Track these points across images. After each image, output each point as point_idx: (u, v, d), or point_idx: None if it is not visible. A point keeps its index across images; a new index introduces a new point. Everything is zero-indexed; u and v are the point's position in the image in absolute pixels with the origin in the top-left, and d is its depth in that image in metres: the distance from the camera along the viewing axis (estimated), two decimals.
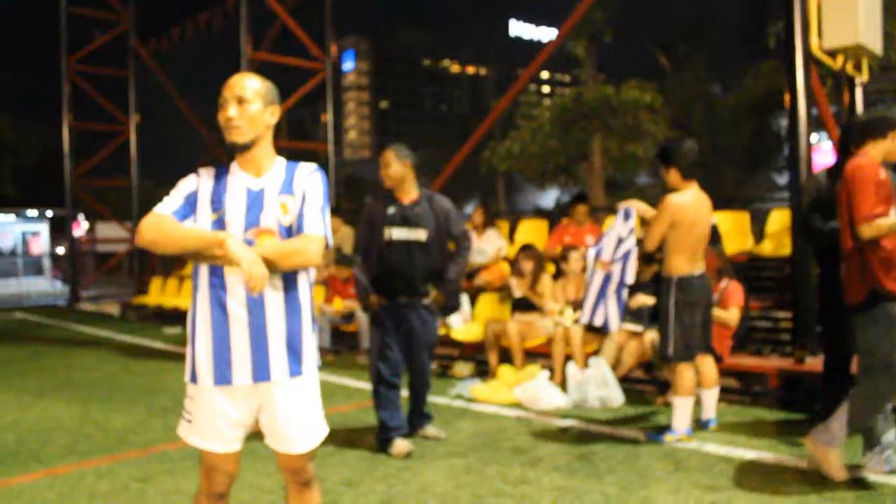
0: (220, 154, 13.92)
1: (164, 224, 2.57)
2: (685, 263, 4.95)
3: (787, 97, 6.13)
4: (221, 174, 2.72)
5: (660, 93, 14.44)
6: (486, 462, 4.73)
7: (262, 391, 2.65)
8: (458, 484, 4.33)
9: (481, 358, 7.57)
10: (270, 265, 2.54)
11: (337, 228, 9.44)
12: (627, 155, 14.13)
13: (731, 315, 5.85)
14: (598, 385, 6.03)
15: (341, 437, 5.38)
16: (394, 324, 5.11)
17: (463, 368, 7.60)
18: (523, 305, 7.36)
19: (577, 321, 6.74)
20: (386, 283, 5.11)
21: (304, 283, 2.71)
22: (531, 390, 6.11)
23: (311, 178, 2.70)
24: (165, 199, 2.69)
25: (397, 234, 5.07)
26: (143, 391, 7.26)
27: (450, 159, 9.87)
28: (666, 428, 5.13)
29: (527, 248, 7.58)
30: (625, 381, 6.43)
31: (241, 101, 2.62)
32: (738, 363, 6.04)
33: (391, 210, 5.10)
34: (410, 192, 5.15)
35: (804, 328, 6.00)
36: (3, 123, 24.94)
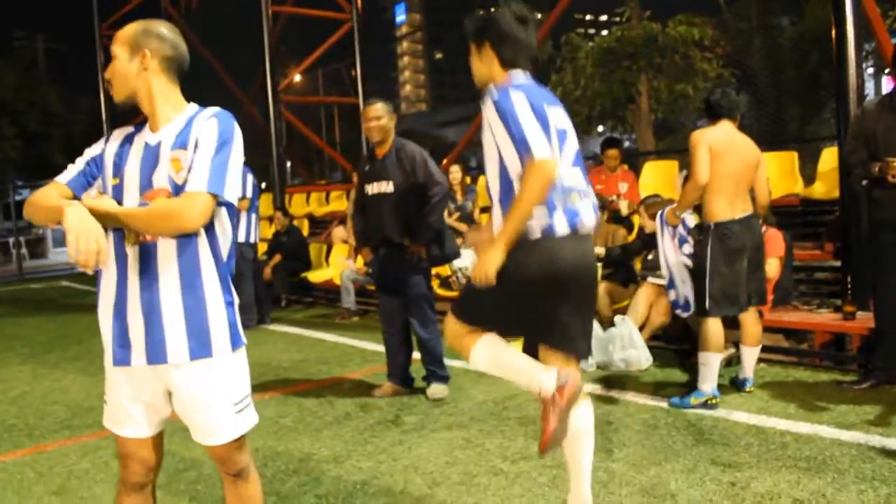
0: (254, 113, 13.64)
1: (37, 196, 2.29)
2: (723, 207, 4.43)
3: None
4: (132, 133, 2.39)
5: (712, 27, 13.52)
6: (487, 434, 4.33)
7: (163, 374, 2.32)
8: (451, 460, 3.95)
9: None
10: (138, 231, 2.22)
11: None
12: (678, 95, 13.29)
13: (769, 266, 5.24)
14: (622, 345, 5.52)
15: (345, 408, 5.05)
16: (381, 275, 5.31)
17: None
18: None
19: (604, 276, 6.23)
20: (368, 236, 5.36)
21: (206, 250, 2.31)
22: None
23: (204, 125, 2.28)
24: (70, 165, 2.42)
25: (370, 188, 5.21)
26: None
27: None
28: (692, 389, 4.63)
29: None
30: (656, 339, 5.92)
31: (112, 57, 2.32)
32: (779, 319, 5.44)
33: (367, 166, 5.26)
34: (385, 146, 5.16)
35: (854, 279, 5.37)
36: (53, 96, 25.35)
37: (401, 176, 5.08)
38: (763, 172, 4.65)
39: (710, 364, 4.51)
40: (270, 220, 10.58)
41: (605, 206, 6.47)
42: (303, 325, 8.43)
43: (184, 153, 2.25)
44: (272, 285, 9.60)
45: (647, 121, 14.11)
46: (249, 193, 8.01)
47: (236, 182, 2.31)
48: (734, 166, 4.42)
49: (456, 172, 8.68)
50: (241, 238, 8.02)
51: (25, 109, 23.83)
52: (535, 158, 2.61)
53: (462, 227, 8.48)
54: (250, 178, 8.08)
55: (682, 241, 4.95)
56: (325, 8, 12.66)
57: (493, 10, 2.91)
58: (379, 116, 5.06)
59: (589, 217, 2.81)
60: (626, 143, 23.08)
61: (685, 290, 4.92)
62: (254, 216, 8.12)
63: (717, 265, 4.40)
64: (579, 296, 2.82)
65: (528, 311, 2.81)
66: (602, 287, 6.12)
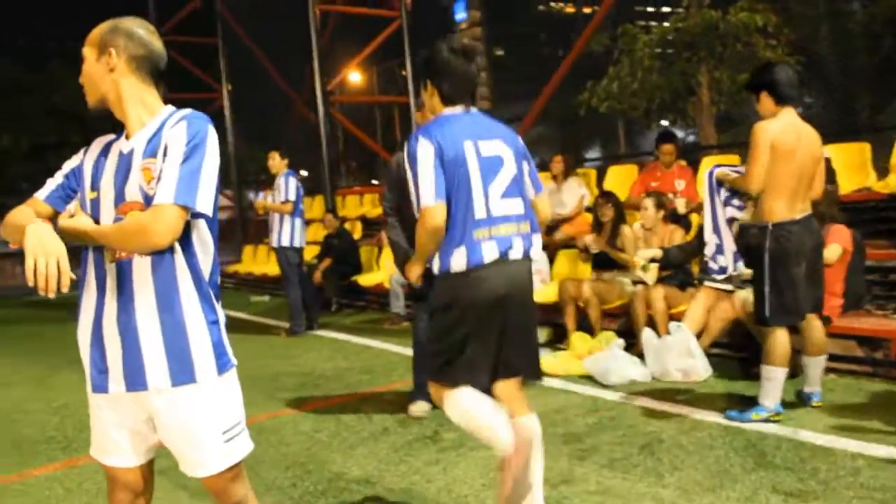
0: (306, 114, 13.59)
1: (12, 215, 2.14)
2: (783, 206, 4.06)
3: None
4: (111, 141, 2.23)
5: (776, 13, 12.84)
6: None
7: (144, 402, 2.14)
8: (487, 482, 3.69)
9: (562, 322, 6.82)
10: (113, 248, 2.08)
11: None
12: (740, 86, 12.64)
13: (829, 251, 4.75)
14: (679, 354, 5.19)
15: (383, 422, 4.83)
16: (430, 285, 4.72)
17: (539, 333, 6.87)
18: (605, 262, 6.53)
19: (659, 279, 5.88)
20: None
21: (184, 266, 2.12)
22: (602, 361, 5.35)
23: (173, 130, 2.08)
24: (48, 179, 2.29)
25: None
26: None
27: (569, 103, 9.15)
28: (754, 404, 4.27)
29: (605, 196, 6.73)
30: (716, 347, 5.56)
31: (82, 59, 2.16)
32: (850, 325, 5.01)
33: None
34: None
35: None
36: None
37: None
38: (822, 165, 4.26)
39: (774, 378, 4.15)
40: (323, 222, 10.49)
41: (662, 205, 6.10)
42: (351, 331, 8.26)
43: (154, 162, 2.07)
44: (323, 289, 9.48)
45: (708, 113, 13.51)
46: (293, 196, 7.90)
47: (209, 191, 2.09)
48: (799, 164, 4.04)
49: (559, 163, 8.32)
50: (286, 242, 7.91)
51: (92, 118, 24.27)
52: (421, 206, 2.82)
53: None
54: (293, 181, 7.96)
55: (728, 200, 4.64)
56: (375, 7, 12.50)
57: (433, 47, 3.00)
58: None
59: (505, 249, 2.86)
60: (691, 138, 22.36)
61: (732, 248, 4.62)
62: (298, 220, 7.99)
63: (775, 269, 4.03)
64: (482, 327, 2.87)
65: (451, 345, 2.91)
66: (658, 291, 5.77)
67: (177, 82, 17.63)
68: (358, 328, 8.54)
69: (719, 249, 4.66)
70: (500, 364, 2.95)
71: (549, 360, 5.69)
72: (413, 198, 2.88)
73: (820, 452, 3.73)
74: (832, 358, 5.06)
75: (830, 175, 5.76)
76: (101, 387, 2.15)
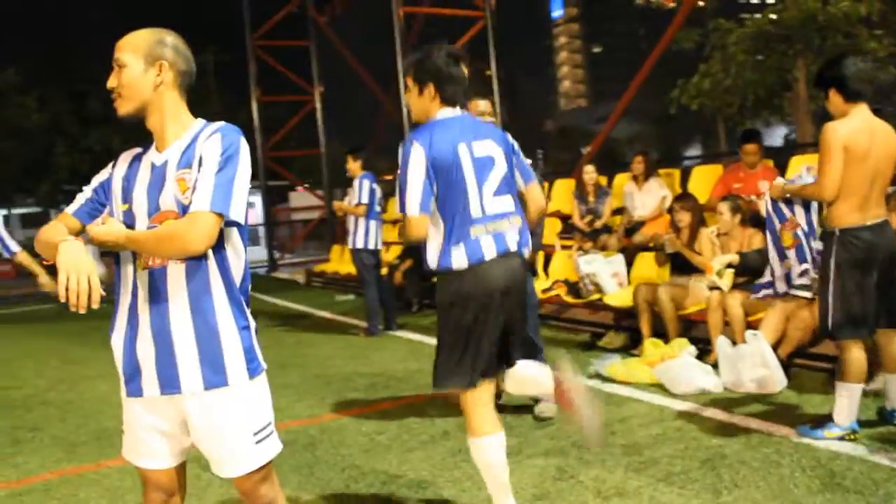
0: (395, 116, 13.72)
1: (44, 231, 2.26)
2: (852, 210, 3.81)
3: None
4: (139, 154, 2.31)
5: (882, 2, 12.05)
6: (586, 464, 3.96)
7: (179, 404, 2.23)
8: (539, 493, 3.64)
9: (637, 326, 6.65)
10: (145, 255, 2.17)
11: None
12: (871, 79, 11.96)
13: None
14: (753, 364, 4.95)
15: (444, 425, 4.82)
16: None
17: (614, 338, 6.73)
18: (682, 266, 6.33)
19: (737, 285, 5.64)
20: None
21: (217, 273, 2.20)
22: (672, 369, 5.18)
23: (208, 142, 2.17)
24: (78, 194, 2.39)
25: None
26: (280, 366, 7.13)
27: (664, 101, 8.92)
28: (828, 420, 4.03)
29: (683, 198, 6.53)
30: (797, 357, 5.29)
31: (119, 65, 2.19)
32: None
33: None
34: None
35: None
36: (215, 105, 26.93)
37: None
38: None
39: (849, 395, 3.91)
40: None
41: (738, 209, 5.85)
42: (428, 332, 8.27)
43: (189, 172, 2.16)
44: (403, 290, 9.56)
45: (805, 110, 12.83)
46: (366, 199, 7.99)
47: (242, 200, 2.17)
48: (872, 166, 3.78)
49: (591, 173, 8.27)
50: (360, 244, 8.02)
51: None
52: (406, 215, 2.98)
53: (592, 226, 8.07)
54: (367, 183, 8.05)
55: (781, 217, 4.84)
56: (460, 7, 12.50)
57: (428, 51, 3.13)
58: (491, 112, 4.80)
59: (502, 244, 3.03)
60: (793, 135, 21.40)
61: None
62: (373, 222, 8.07)
63: (843, 279, 3.79)
64: (488, 321, 3.02)
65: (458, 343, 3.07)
66: (735, 298, 5.54)
67: (270, 85, 18.18)
68: (435, 329, 8.54)
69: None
70: (503, 355, 3.17)
71: (617, 366, 5.56)
72: (398, 197, 3.04)
73: (895, 475, 3.49)
74: None
75: None
76: (135, 391, 2.24)
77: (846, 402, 3.92)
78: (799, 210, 4.94)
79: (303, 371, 6.80)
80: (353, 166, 8.18)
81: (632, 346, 6.49)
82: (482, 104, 4.80)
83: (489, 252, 2.99)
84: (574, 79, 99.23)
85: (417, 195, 2.97)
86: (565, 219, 8.77)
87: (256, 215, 23.84)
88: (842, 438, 3.92)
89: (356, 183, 8.10)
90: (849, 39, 11.97)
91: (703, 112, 14.89)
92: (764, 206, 5.05)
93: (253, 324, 2.33)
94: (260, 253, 19.26)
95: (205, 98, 27.69)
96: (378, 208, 8.17)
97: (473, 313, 2.99)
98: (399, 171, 3.02)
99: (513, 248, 3.08)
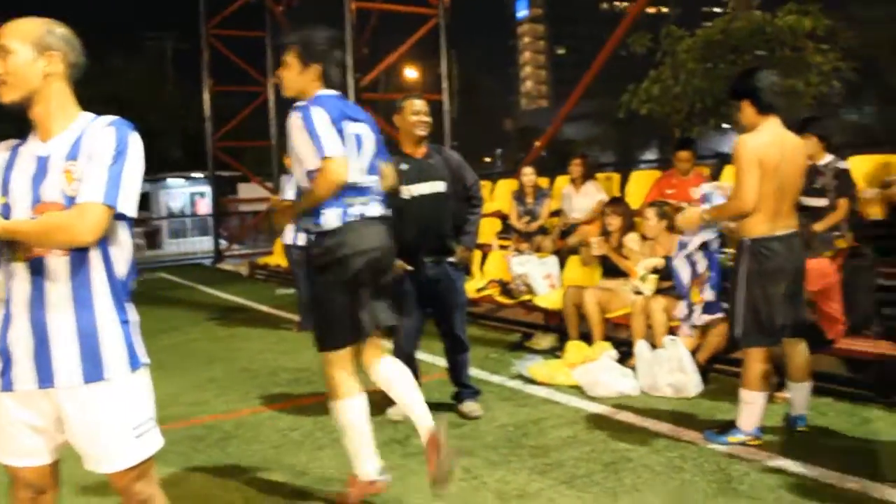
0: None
1: None
2: (762, 221, 3.83)
3: None
4: (17, 146, 2.24)
5: (838, 18, 12.26)
6: (492, 465, 3.95)
7: (54, 399, 2.16)
8: (440, 494, 3.59)
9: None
10: (28, 245, 2.10)
11: None
12: (787, 91, 12.10)
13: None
14: (670, 369, 5.00)
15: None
16: (416, 288, 4.75)
17: (543, 340, 6.74)
18: (612, 270, 6.36)
19: (662, 290, 5.68)
20: (409, 244, 4.63)
21: (100, 265, 2.16)
22: (592, 372, 5.19)
23: (100, 135, 2.13)
24: None
25: (418, 189, 4.70)
26: (208, 360, 7.02)
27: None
28: (732, 426, 4.07)
29: (614, 202, 6.57)
30: (716, 362, 5.34)
31: (6, 51, 2.13)
32: (850, 347, 4.73)
33: (405, 166, 4.71)
34: (424, 146, 4.80)
35: None
36: (172, 93, 26.59)
37: (449, 176, 4.78)
38: None
39: (752, 402, 3.95)
40: None
41: (665, 215, 5.88)
42: None
43: (76, 164, 2.11)
44: None
45: None
46: (291, 196, 7.88)
47: (133, 194, 2.15)
48: (783, 178, 3.81)
49: (530, 175, 8.28)
50: (289, 240, 7.95)
51: (147, 106, 25.05)
52: (326, 156, 3.09)
53: (530, 227, 8.08)
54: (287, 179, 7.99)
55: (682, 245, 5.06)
56: (414, 4, 12.43)
57: (313, 31, 3.31)
58: (427, 112, 4.77)
59: (371, 210, 3.32)
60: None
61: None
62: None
63: (752, 288, 3.83)
64: (359, 280, 3.26)
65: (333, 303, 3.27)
66: (658, 302, 5.57)
67: (226, 75, 17.92)
68: None
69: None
70: (371, 316, 3.35)
71: (539, 368, 5.56)
72: (306, 154, 3.16)
73: (789, 483, 3.53)
74: (832, 380, 4.83)
75: (848, 185, 5.51)
76: (7, 385, 2.17)
77: (749, 409, 3.96)
78: (701, 260, 5.22)
79: (230, 365, 6.70)
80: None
81: (560, 347, 6.50)
82: (418, 103, 4.76)
83: (358, 215, 3.27)
84: (537, 79, 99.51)
85: (334, 138, 3.12)
86: (505, 219, 8.78)
87: (206, 205, 23.58)
88: (744, 444, 3.96)
89: (283, 178, 8.03)
90: (795, 52, 12.21)
91: (659, 117, 15.09)
92: (674, 261, 5.25)
93: (135, 318, 2.29)
94: (208, 244, 19.04)
95: (160, 85, 27.34)
96: None
97: (348, 272, 3.22)
98: (303, 128, 3.13)
99: (380, 214, 3.36)
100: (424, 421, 3.41)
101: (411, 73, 33.99)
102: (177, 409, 5.35)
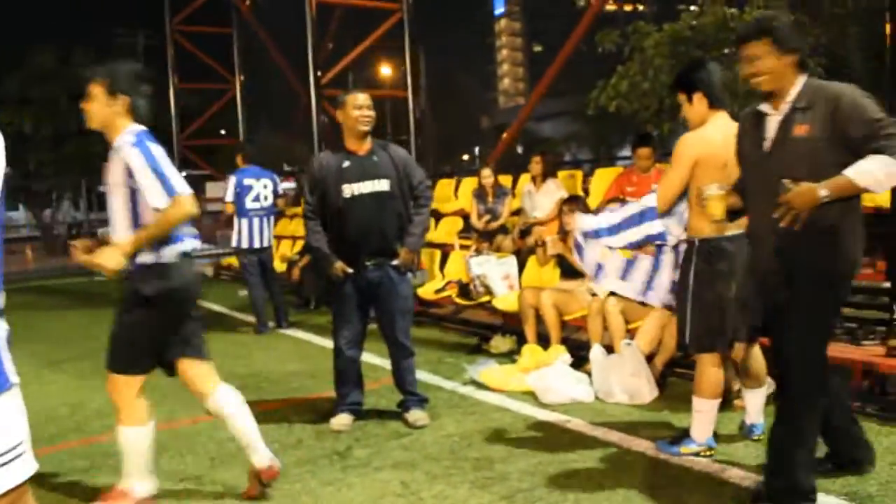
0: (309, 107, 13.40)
1: None
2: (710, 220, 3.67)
3: None
4: None
5: (805, 13, 12.15)
6: (432, 478, 3.76)
7: None
8: None
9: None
10: None
11: None
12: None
13: None
14: (626, 374, 4.83)
15: (301, 433, 4.60)
16: (357, 291, 4.58)
17: (500, 343, 6.54)
18: (570, 271, 6.18)
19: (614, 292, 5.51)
20: (350, 246, 4.55)
21: None
22: (546, 378, 5.01)
23: None
24: None
25: (360, 188, 4.51)
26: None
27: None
28: (685, 436, 3.90)
29: (572, 200, 6.38)
30: (676, 367, 5.18)
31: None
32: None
33: (346, 164, 4.54)
34: (368, 143, 4.59)
35: None
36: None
37: (395, 174, 4.57)
38: None
39: (704, 410, 3.79)
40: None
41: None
42: (319, 332, 7.96)
43: None
44: (301, 287, 9.27)
45: None
46: (230, 197, 7.76)
47: None
48: (730, 175, 3.64)
49: (488, 176, 8.13)
50: (234, 243, 7.80)
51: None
52: (179, 195, 3.19)
53: (490, 226, 7.89)
54: (232, 179, 7.80)
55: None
56: None
57: (127, 66, 3.42)
58: (371, 106, 4.57)
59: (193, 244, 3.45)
60: None
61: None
62: (244, 220, 7.79)
63: (701, 290, 3.66)
64: (184, 311, 3.48)
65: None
66: (615, 305, 5.39)
67: (192, 71, 17.61)
68: (328, 329, 8.26)
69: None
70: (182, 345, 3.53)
71: (492, 373, 5.37)
72: (155, 189, 3.18)
73: (744, 492, 3.36)
74: None
75: None
76: None
77: (701, 418, 3.80)
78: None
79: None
80: (237, 160, 7.93)
81: (518, 351, 6.32)
82: (361, 97, 4.57)
83: (172, 256, 3.36)
84: (514, 76, 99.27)
85: (179, 177, 3.26)
86: (467, 218, 8.60)
87: None
88: (697, 454, 3.79)
89: (231, 178, 7.88)
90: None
91: (628, 114, 14.98)
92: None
93: (3, 332, 2.05)
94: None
95: None
96: (256, 204, 7.81)
97: (181, 303, 3.43)
98: (146, 167, 3.19)
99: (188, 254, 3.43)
100: (262, 461, 3.58)
101: (386, 70, 33.75)
102: (109, 420, 5.10)
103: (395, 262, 4.58)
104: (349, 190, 4.50)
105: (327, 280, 4.71)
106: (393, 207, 4.57)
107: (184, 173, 17.75)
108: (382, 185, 4.53)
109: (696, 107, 3.79)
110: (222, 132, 19.69)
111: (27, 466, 2.06)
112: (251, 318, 8.64)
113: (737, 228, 3.67)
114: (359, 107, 4.51)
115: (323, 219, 4.59)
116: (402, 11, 11.51)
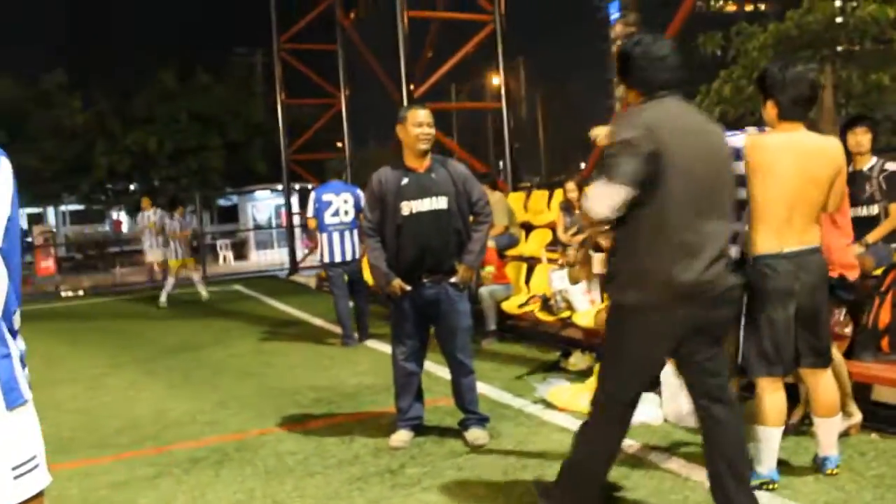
0: None
1: None
2: (767, 238, 3.43)
3: None
4: None
5: None
6: (478, 499, 3.73)
7: None
8: None
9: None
10: None
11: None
12: (872, 86, 11.17)
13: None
14: None
15: (360, 448, 4.60)
16: (414, 308, 4.55)
17: (580, 360, 6.36)
18: None
19: None
20: (408, 263, 4.53)
21: None
22: None
23: None
24: None
25: (418, 206, 4.48)
26: (240, 376, 6.99)
27: None
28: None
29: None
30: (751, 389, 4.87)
31: None
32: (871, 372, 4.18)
33: (405, 181, 4.53)
34: (427, 159, 4.56)
35: None
36: (257, 107, 27.20)
37: (453, 191, 4.53)
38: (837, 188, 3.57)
39: (766, 440, 3.53)
40: None
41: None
42: None
43: None
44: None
45: (831, 118, 12.12)
46: (310, 213, 7.90)
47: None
48: (793, 188, 3.39)
49: (573, 190, 7.96)
50: (318, 258, 7.95)
51: (231, 121, 25.76)
52: None
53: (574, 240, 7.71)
54: (312, 195, 7.96)
55: None
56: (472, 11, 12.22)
57: None
58: (431, 123, 4.54)
59: None
60: None
61: None
62: (324, 235, 7.88)
63: (753, 310, 3.42)
64: None
65: None
66: None
67: (297, 88, 18.19)
68: None
69: None
70: None
71: (558, 392, 5.23)
72: None
73: None
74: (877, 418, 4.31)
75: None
76: None
77: (763, 448, 3.55)
78: None
79: (260, 381, 6.64)
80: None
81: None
82: (421, 114, 4.56)
83: None
84: None
85: None
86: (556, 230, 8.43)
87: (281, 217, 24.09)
88: (759, 487, 3.54)
89: (312, 195, 8.09)
90: (880, 44, 11.27)
91: (733, 119, 14.32)
92: None
93: (17, 351, 2.13)
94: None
95: (250, 98, 28.06)
96: (336, 219, 7.89)
97: None
98: None
99: None
100: None
101: (495, 79, 33.78)
102: (191, 429, 5.30)
103: (453, 280, 4.54)
104: (408, 207, 4.48)
105: (386, 297, 4.72)
106: (451, 224, 4.52)
107: (297, 186, 18.50)
108: (441, 202, 4.49)
109: (767, 112, 3.56)
110: (338, 144, 20.26)
111: (41, 479, 2.14)
112: (338, 330, 8.80)
113: (801, 244, 3.42)
114: (419, 124, 4.48)
115: (382, 235, 4.59)
116: (495, 23, 11.47)
